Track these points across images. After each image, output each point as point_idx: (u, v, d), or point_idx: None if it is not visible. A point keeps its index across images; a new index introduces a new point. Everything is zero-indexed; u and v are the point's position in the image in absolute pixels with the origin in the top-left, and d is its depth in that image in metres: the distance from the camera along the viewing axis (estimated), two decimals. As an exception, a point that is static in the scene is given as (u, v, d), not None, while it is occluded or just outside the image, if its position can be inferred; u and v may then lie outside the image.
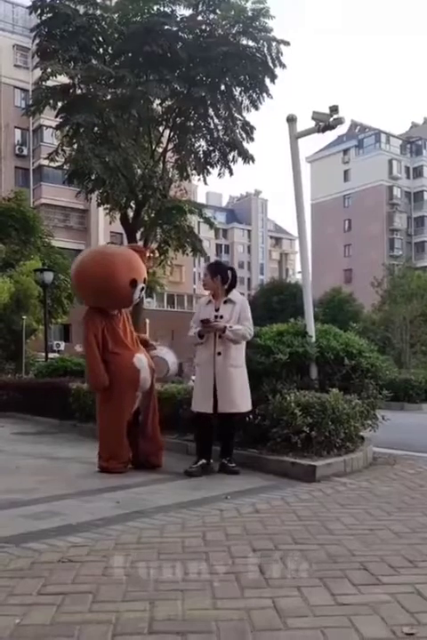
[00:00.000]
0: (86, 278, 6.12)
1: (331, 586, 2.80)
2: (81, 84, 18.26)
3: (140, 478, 5.55)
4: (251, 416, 6.01)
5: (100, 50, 18.71)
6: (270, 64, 18.13)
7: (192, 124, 19.60)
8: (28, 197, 40.17)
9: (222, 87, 18.62)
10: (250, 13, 17.86)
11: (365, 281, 45.31)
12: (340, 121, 6.96)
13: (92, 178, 18.50)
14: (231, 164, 19.72)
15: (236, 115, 19.16)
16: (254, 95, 18.80)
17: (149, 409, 6.16)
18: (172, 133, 19.83)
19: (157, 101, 19.11)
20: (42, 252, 29.71)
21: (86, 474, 5.89)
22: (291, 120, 7.22)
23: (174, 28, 18.03)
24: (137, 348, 6.13)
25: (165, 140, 20.13)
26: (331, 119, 6.91)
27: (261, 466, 5.73)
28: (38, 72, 19.05)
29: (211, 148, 19.83)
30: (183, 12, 18.46)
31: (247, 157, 19.37)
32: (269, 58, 18.06)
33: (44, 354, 21.61)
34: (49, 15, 17.84)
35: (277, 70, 18.23)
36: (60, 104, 18.68)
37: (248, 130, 19.34)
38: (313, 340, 6.63)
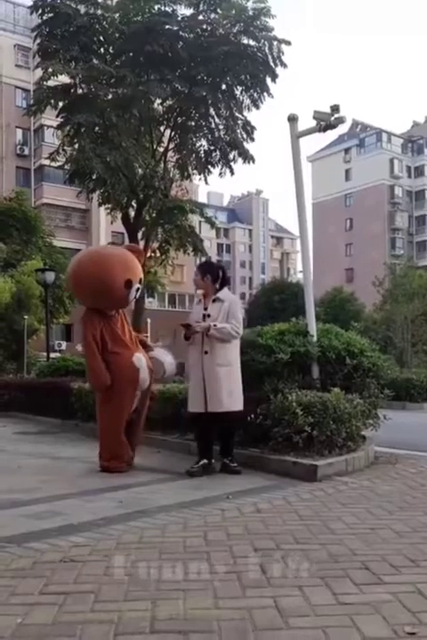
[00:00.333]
0: (82, 279, 6.15)
1: (332, 585, 2.80)
2: (82, 83, 18.28)
3: (141, 478, 5.56)
4: (252, 415, 6.01)
5: (101, 49, 18.72)
6: (271, 63, 18.14)
7: (193, 123, 19.61)
8: (29, 197, 40.21)
9: (223, 86, 18.63)
10: (251, 13, 17.87)
11: (366, 280, 45.29)
12: (341, 120, 6.95)
13: (94, 178, 18.52)
14: (232, 164, 19.73)
15: (237, 114, 19.17)
16: (255, 94, 18.81)
17: (142, 409, 6.24)
18: (173, 133, 19.84)
19: (158, 101, 19.12)
20: (43, 252, 29.72)
21: (88, 473, 5.89)
22: (292, 119, 7.22)
23: (175, 28, 18.04)
24: (136, 348, 6.16)
25: (166, 139, 20.13)
26: (332, 118, 6.90)
27: (263, 465, 5.73)
28: (39, 72, 19.06)
29: (212, 148, 19.84)
30: (184, 11, 18.49)
31: (248, 157, 19.37)
32: (270, 57, 18.07)
33: (45, 353, 21.61)
34: (50, 15, 17.86)
35: (278, 69, 18.26)
36: (61, 104, 18.70)
37: (249, 129, 19.34)
38: (315, 339, 6.62)
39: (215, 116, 19.28)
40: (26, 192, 38.32)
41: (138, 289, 6.15)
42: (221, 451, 5.85)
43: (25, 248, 29.17)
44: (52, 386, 11.48)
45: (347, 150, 79.06)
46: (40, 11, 17.91)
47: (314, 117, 6.99)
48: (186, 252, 21.44)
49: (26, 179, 49.97)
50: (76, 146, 18.57)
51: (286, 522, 3.95)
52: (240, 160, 19.54)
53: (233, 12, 17.91)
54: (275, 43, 18.00)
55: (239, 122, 19.27)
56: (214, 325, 5.60)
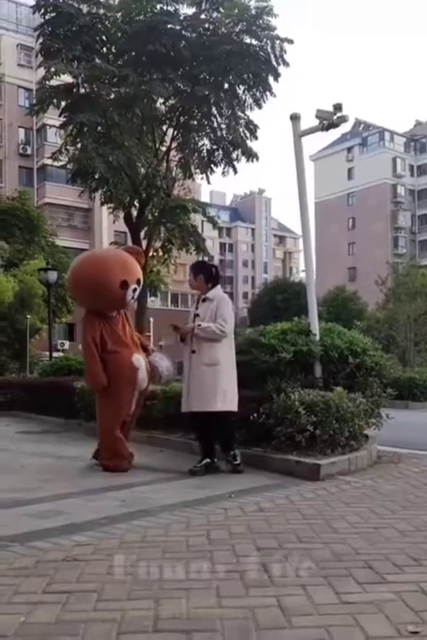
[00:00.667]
0: (80, 282, 6.25)
1: (335, 584, 2.80)
2: (84, 83, 18.27)
3: (144, 477, 5.56)
4: (255, 414, 6.01)
5: (104, 49, 18.71)
6: (274, 62, 18.11)
7: (196, 122, 19.59)
8: (31, 197, 40.25)
9: (226, 86, 18.60)
10: (253, 12, 17.84)
11: (369, 279, 45.23)
12: (344, 119, 6.94)
13: (96, 177, 18.51)
14: (235, 163, 19.70)
15: (239, 113, 19.15)
16: (258, 94, 18.78)
17: (137, 409, 6.30)
18: (175, 132, 19.83)
19: (161, 100, 19.10)
20: (46, 252, 29.78)
21: (90, 473, 5.90)
22: (294, 118, 7.21)
23: (178, 27, 18.02)
24: (137, 349, 6.20)
25: (168, 138, 20.11)
26: (335, 117, 6.89)
27: (266, 464, 5.73)
28: (42, 71, 19.06)
29: (214, 147, 19.82)
30: (186, 10, 18.47)
31: (251, 155, 19.34)
32: (272, 56, 18.04)
33: (48, 353, 21.65)
34: (52, 14, 17.85)
35: (281, 68, 18.22)
36: (63, 103, 18.69)
37: (252, 128, 19.32)
38: (317, 338, 6.62)
39: (218, 116, 19.26)
40: (28, 191, 38.36)
41: (135, 290, 6.17)
42: (222, 449, 5.86)
43: (28, 247, 29.22)
44: (54, 385, 11.49)
45: (349, 149, 78.97)
46: (43, 10, 17.89)
47: (316, 116, 6.99)
48: (188, 252, 21.42)
49: (28, 178, 50.02)
50: (79, 145, 18.57)
51: (288, 521, 3.95)
52: (243, 159, 19.50)
53: (235, 11, 17.88)
54: (277, 41, 17.97)
55: (242, 121, 19.25)
56: (199, 325, 5.61)
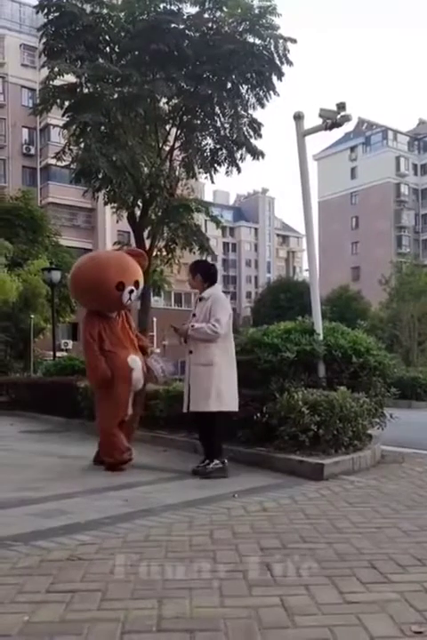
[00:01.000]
0: (79, 283, 6.42)
1: (339, 584, 2.80)
2: (88, 82, 18.23)
3: (147, 477, 5.56)
4: (258, 414, 6.00)
5: (107, 48, 18.67)
6: (277, 62, 18.04)
7: (199, 122, 19.55)
8: (35, 196, 40.26)
9: (229, 85, 18.56)
10: (257, 11, 17.77)
11: (372, 278, 45.23)
12: (347, 118, 6.93)
13: (99, 177, 18.44)
14: (239, 162, 19.67)
15: (242, 112, 19.13)
16: (261, 93, 18.71)
17: (137, 409, 6.36)
18: (178, 131, 19.78)
19: (164, 100, 19.08)
20: (49, 251, 29.76)
21: (94, 472, 5.91)
22: (298, 118, 7.21)
23: (181, 26, 17.98)
24: (134, 350, 6.26)
25: (171, 138, 20.09)
26: (338, 116, 6.89)
27: (269, 464, 5.73)
28: (45, 71, 19.01)
29: (218, 147, 19.79)
30: (190, 9, 18.39)
31: (256, 154, 19.31)
32: (275, 55, 17.96)
33: (51, 352, 21.66)
34: (56, 14, 17.80)
35: (284, 68, 18.15)
36: (66, 103, 18.64)
37: (256, 127, 19.28)
38: (321, 337, 6.62)
39: (221, 115, 19.23)
40: (32, 191, 38.38)
41: (132, 291, 6.22)
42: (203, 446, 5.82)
43: (31, 247, 29.21)
44: (58, 385, 11.51)
45: (353, 148, 78.94)
46: (46, 10, 17.83)
47: (320, 115, 6.98)
48: (192, 251, 21.36)
49: (32, 178, 50.09)
50: (82, 145, 18.50)
51: (292, 520, 3.94)
52: (248, 158, 19.44)
53: (239, 10, 17.81)
54: (281, 41, 17.88)
55: (245, 120, 19.21)
56: (192, 326, 5.60)
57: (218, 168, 20.03)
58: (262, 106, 18.99)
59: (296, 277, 64.79)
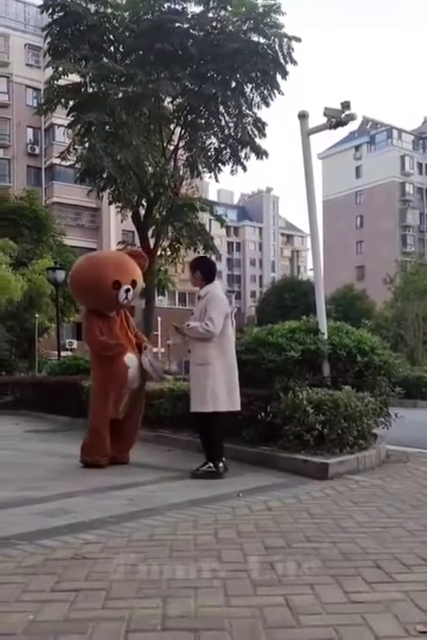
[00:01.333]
0: (77, 282, 6.58)
1: (344, 584, 2.79)
2: (92, 82, 18.31)
3: (151, 476, 5.56)
4: (262, 413, 5.99)
5: (111, 48, 18.74)
6: (281, 60, 18.08)
7: (203, 121, 19.59)
8: (40, 196, 40.35)
9: (233, 84, 18.58)
10: (261, 9, 17.82)
11: (377, 278, 45.15)
12: (352, 117, 6.91)
13: (104, 176, 18.54)
14: (244, 161, 19.68)
15: (246, 111, 19.13)
16: (265, 92, 18.75)
17: (134, 409, 6.35)
18: (183, 131, 19.83)
19: (168, 99, 19.11)
20: (54, 251, 29.85)
21: (98, 472, 5.90)
22: (302, 117, 7.19)
23: (185, 25, 18.02)
24: (131, 349, 6.29)
25: (176, 137, 20.13)
26: (343, 115, 6.86)
27: (274, 463, 5.72)
28: (50, 71, 19.11)
29: (222, 146, 19.81)
30: (194, 8, 18.46)
31: (260, 153, 19.31)
32: (280, 54, 18.01)
33: (56, 352, 21.71)
34: (60, 14, 17.89)
35: (289, 66, 18.18)
36: (71, 103, 18.74)
37: (260, 126, 19.28)
38: (325, 337, 6.60)
39: (225, 114, 19.25)
40: (37, 191, 38.45)
41: (128, 290, 6.26)
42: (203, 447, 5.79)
43: (36, 247, 29.29)
44: (63, 384, 11.53)
45: (357, 147, 78.79)
46: (50, 10, 17.94)
47: (324, 114, 6.96)
48: (196, 251, 21.40)
49: (37, 178, 50.20)
50: (87, 144, 18.61)
51: (296, 520, 3.94)
52: (252, 156, 19.47)
53: (243, 9, 17.86)
54: (285, 40, 17.94)
55: (250, 119, 19.22)
56: (187, 325, 5.59)
57: (222, 167, 20.10)
58: (267, 105, 19.03)
59: (301, 277, 64.75)
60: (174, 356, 41.66)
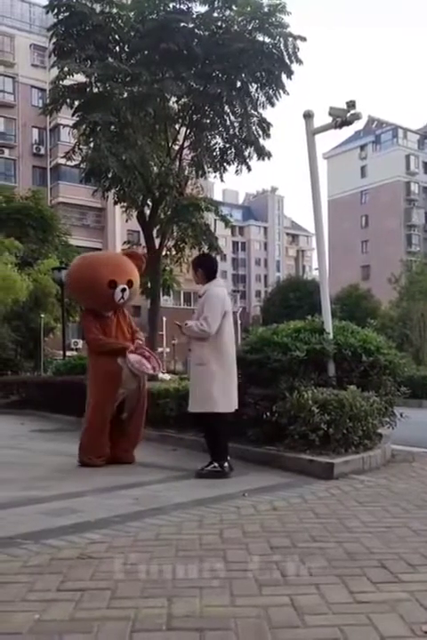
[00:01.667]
0: (74, 282, 6.73)
1: (349, 583, 2.79)
2: (97, 82, 18.32)
3: (157, 476, 5.57)
4: (268, 413, 5.99)
5: (117, 48, 18.75)
6: (287, 60, 18.05)
7: (208, 121, 19.57)
8: (45, 196, 40.44)
9: (238, 84, 18.57)
10: (266, 9, 17.79)
11: (382, 277, 45.09)
12: (357, 116, 6.89)
13: (109, 176, 18.54)
14: (248, 161, 19.67)
15: (252, 111, 19.11)
16: (271, 91, 18.73)
17: (135, 409, 6.36)
18: (188, 131, 19.84)
19: (174, 99, 19.12)
20: (59, 251, 29.92)
21: (103, 471, 5.92)
22: (308, 116, 7.18)
23: (190, 25, 18.02)
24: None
25: (181, 137, 20.13)
26: (348, 115, 6.85)
27: (279, 463, 5.72)
28: (55, 71, 19.13)
29: (227, 146, 19.80)
30: (199, 8, 18.45)
31: (263, 154, 19.30)
32: (285, 54, 17.98)
33: (61, 352, 21.75)
34: (65, 14, 17.91)
35: (294, 66, 18.15)
36: (76, 103, 18.75)
37: (265, 126, 19.26)
38: (331, 336, 6.59)
39: (230, 114, 19.24)
40: (42, 191, 38.53)
41: (124, 289, 6.31)
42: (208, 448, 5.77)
43: (41, 247, 29.37)
44: (68, 384, 11.55)
45: (363, 147, 78.65)
46: (56, 10, 17.96)
47: (330, 114, 6.95)
48: (201, 250, 21.41)
49: (42, 178, 50.31)
50: (92, 144, 18.62)
51: (302, 520, 3.94)
52: (255, 157, 19.46)
53: (248, 8, 17.85)
54: (290, 39, 17.91)
55: (255, 119, 19.20)
56: (185, 324, 5.59)
57: (227, 167, 20.09)
58: (272, 105, 19.01)
59: (306, 276, 64.76)
60: (179, 355, 41.72)
